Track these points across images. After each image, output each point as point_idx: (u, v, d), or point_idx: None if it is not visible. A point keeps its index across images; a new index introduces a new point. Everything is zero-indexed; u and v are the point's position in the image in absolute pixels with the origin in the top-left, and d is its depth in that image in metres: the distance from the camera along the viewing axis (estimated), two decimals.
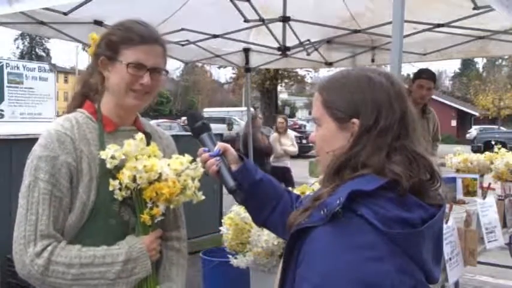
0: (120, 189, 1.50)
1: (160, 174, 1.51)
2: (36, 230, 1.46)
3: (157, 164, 1.52)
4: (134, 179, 1.49)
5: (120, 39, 1.56)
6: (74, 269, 1.46)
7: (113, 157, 1.49)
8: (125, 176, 1.48)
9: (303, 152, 21.54)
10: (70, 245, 1.49)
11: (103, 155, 1.50)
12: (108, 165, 1.49)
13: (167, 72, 1.66)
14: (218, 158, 1.48)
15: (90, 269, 1.47)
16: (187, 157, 1.59)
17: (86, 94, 1.64)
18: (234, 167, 1.50)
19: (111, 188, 1.49)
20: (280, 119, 8.32)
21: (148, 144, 1.59)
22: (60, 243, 1.48)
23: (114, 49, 1.55)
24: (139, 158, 1.52)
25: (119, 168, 1.51)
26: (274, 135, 8.14)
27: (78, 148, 1.52)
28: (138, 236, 1.55)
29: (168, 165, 1.54)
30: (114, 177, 1.50)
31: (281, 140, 7.93)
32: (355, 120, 1.18)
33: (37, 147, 1.51)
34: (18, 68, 7.78)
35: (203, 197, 1.60)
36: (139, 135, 1.55)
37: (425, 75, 4.44)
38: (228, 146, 1.52)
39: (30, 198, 1.48)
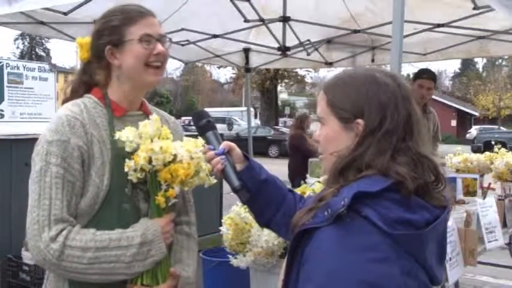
0: (135, 170, 1.49)
1: (175, 155, 1.51)
2: (50, 214, 1.44)
3: (171, 145, 1.52)
4: (150, 161, 1.49)
5: (121, 22, 1.57)
6: (90, 252, 1.45)
7: (130, 141, 1.49)
8: (141, 157, 1.48)
9: None
10: (84, 229, 1.49)
11: (122, 137, 1.49)
12: (127, 148, 1.48)
13: (171, 40, 1.67)
14: (223, 156, 1.48)
15: (106, 252, 1.46)
16: (200, 140, 1.59)
17: (87, 89, 1.64)
18: (239, 166, 1.50)
19: (126, 169, 1.49)
20: None
21: None
22: (75, 227, 1.47)
23: (118, 33, 1.57)
24: (154, 140, 1.52)
25: (131, 152, 1.51)
26: None
27: (89, 132, 1.52)
28: (152, 219, 1.55)
29: (182, 147, 1.54)
30: (129, 159, 1.50)
31: None
32: (359, 120, 1.17)
33: (47, 132, 1.50)
34: (18, 68, 7.77)
35: (215, 181, 1.60)
36: (155, 116, 1.57)
37: (425, 75, 4.45)
38: (234, 145, 1.52)
39: (43, 183, 1.46)
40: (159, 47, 1.57)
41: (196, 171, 1.54)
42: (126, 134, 1.50)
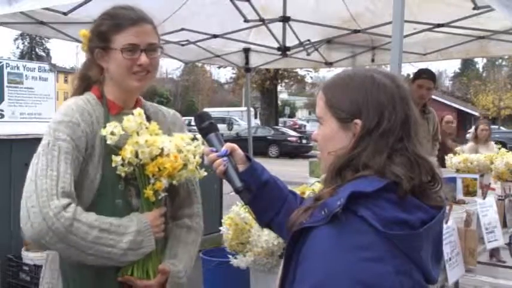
0: (122, 165, 1.52)
1: (162, 149, 1.54)
2: (57, 185, 1.42)
3: (158, 139, 1.55)
4: (136, 155, 1.52)
5: (109, 28, 1.59)
6: (95, 231, 1.45)
7: (112, 133, 1.51)
8: (127, 151, 1.51)
9: (303, 152, 21.66)
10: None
11: (103, 132, 1.52)
12: (109, 141, 1.51)
13: (162, 48, 1.67)
14: (225, 158, 1.48)
15: (107, 234, 1.48)
16: (188, 134, 1.63)
17: (87, 87, 1.68)
18: (241, 168, 1.50)
19: (113, 164, 1.51)
20: (482, 125, 6.47)
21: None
22: (78, 206, 1.47)
23: (105, 39, 1.59)
24: (140, 134, 1.55)
25: (121, 148, 1.54)
26: (470, 144, 6.34)
27: (94, 122, 1.56)
28: (142, 213, 1.58)
29: (170, 141, 1.57)
30: (117, 155, 1.53)
31: (479, 151, 5.67)
32: (357, 120, 1.18)
33: (57, 115, 1.53)
34: (18, 68, 7.76)
35: (205, 173, 1.63)
36: (138, 110, 1.58)
37: (425, 75, 4.46)
38: (236, 146, 1.52)
39: (50, 156, 1.45)
40: (143, 59, 1.58)
41: (184, 164, 1.56)
42: (107, 129, 1.52)
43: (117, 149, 1.54)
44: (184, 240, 1.75)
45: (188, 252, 1.74)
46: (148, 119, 1.65)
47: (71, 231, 1.41)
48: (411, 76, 4.80)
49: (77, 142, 1.49)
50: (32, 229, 1.39)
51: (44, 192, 1.40)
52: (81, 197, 1.52)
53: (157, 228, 1.58)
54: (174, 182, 1.59)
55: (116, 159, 1.51)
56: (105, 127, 1.55)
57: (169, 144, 1.55)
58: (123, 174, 1.54)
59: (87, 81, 1.67)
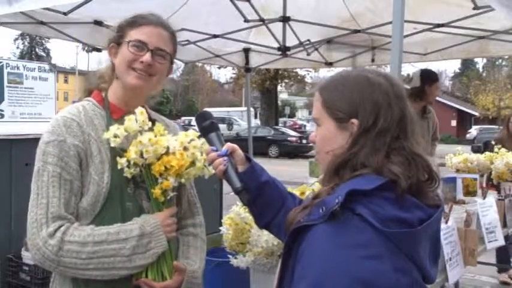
0: (128, 166, 1.51)
1: (167, 148, 1.53)
2: (47, 212, 1.46)
3: (163, 138, 1.54)
4: (141, 155, 1.50)
5: (127, 23, 1.62)
6: (88, 247, 1.45)
7: (115, 136, 1.50)
8: (132, 152, 1.50)
9: (303, 152, 21.67)
10: (83, 225, 1.50)
11: (106, 135, 1.51)
12: (112, 144, 1.50)
13: (171, 57, 1.67)
14: (225, 158, 1.48)
15: (104, 246, 1.47)
16: (193, 132, 1.61)
17: (92, 88, 1.69)
18: (240, 168, 1.50)
19: (119, 166, 1.50)
20: None
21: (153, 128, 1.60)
22: (73, 224, 1.48)
23: (121, 32, 1.61)
24: (144, 133, 1.54)
25: (127, 150, 1.53)
26: None
27: (86, 132, 1.55)
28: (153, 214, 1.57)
29: (175, 140, 1.56)
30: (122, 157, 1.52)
31: None
32: (354, 120, 1.19)
33: (45, 134, 1.54)
34: (18, 68, 7.75)
35: (213, 171, 1.60)
36: (140, 109, 1.57)
37: (436, 77, 4.67)
38: (236, 146, 1.52)
39: (40, 183, 1.49)
40: (146, 57, 1.57)
41: (192, 162, 1.55)
42: (110, 132, 1.52)
43: (122, 151, 1.53)
44: (193, 245, 1.75)
45: (199, 255, 1.75)
46: (153, 123, 1.64)
47: (62, 255, 1.44)
48: (411, 76, 4.84)
49: (66, 160, 1.50)
50: (34, 259, 1.49)
51: (34, 223, 1.46)
52: (90, 203, 1.51)
53: (169, 228, 1.57)
54: (183, 181, 1.58)
55: (121, 161, 1.50)
56: (107, 131, 1.54)
57: (175, 143, 1.54)
58: (129, 176, 1.52)
59: (101, 80, 1.69)
